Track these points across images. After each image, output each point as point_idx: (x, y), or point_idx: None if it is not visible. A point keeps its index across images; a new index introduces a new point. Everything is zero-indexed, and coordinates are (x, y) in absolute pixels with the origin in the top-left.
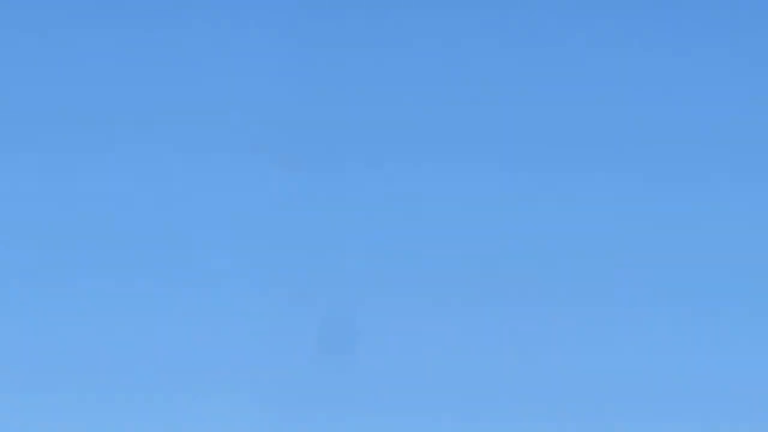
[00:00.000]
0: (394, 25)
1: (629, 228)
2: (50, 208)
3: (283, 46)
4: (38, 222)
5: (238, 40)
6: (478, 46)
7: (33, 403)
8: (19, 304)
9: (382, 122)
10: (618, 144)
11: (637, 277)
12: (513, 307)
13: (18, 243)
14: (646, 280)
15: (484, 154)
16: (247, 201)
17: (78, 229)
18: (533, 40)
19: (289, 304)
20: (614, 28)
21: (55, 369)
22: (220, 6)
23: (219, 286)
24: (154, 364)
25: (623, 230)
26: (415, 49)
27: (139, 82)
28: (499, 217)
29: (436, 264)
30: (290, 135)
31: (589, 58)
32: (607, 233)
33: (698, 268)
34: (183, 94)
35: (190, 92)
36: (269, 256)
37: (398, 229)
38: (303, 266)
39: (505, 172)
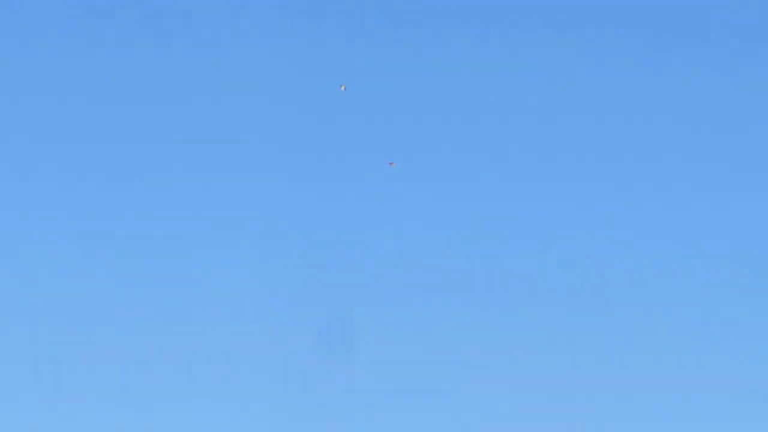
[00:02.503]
0: (402, 24)
1: (628, 232)
2: (58, 215)
3: (289, 47)
4: (51, 227)
5: (245, 42)
6: (481, 50)
7: (34, 404)
8: (22, 305)
9: (383, 126)
10: (618, 149)
11: (638, 285)
12: (512, 307)
13: (29, 246)
14: (647, 288)
15: (486, 158)
16: (249, 204)
17: (86, 234)
18: (534, 45)
19: (289, 305)
20: (616, 35)
21: (65, 370)
22: (229, 13)
23: (220, 288)
24: (154, 366)
25: (622, 235)
26: (416, 50)
27: (144, 91)
28: (498, 219)
29: (436, 265)
30: (293, 141)
31: (589, 64)
32: (606, 237)
33: (696, 272)
34: (185, 101)
35: (192, 98)
36: (270, 258)
37: (398, 231)
38: (303, 268)
39: (506, 176)
